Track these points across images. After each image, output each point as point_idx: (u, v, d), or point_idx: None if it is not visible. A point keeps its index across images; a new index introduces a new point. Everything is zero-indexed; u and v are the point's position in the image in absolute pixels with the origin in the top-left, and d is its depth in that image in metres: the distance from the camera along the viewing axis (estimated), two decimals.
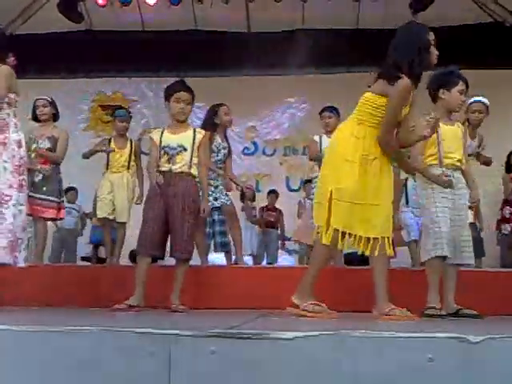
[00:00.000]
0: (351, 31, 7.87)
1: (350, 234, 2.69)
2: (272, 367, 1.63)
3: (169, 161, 3.31)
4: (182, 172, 3.32)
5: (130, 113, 5.22)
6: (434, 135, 3.15)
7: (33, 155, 4.26)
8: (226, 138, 4.51)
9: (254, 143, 8.76)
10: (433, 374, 1.59)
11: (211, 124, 4.36)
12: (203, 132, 3.53)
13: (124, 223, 4.78)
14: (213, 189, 4.24)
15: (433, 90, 3.22)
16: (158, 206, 3.27)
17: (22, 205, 2.97)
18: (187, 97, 3.40)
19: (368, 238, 2.69)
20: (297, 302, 2.75)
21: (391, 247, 2.75)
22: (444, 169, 3.11)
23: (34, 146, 4.32)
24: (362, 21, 7.94)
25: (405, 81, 2.63)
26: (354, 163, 2.69)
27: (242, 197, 6.59)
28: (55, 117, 4.56)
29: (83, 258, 7.21)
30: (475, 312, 3.03)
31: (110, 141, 4.89)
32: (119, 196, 4.74)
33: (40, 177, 4.27)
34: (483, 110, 4.04)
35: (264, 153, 8.75)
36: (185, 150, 3.34)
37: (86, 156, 4.93)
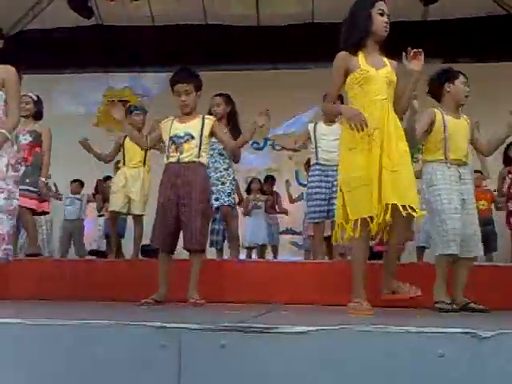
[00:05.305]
0: None
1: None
2: (282, 361, 1.64)
3: (176, 150, 3.24)
4: (189, 161, 3.23)
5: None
6: (441, 128, 3.13)
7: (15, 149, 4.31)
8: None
9: (264, 138, 8.74)
10: (444, 369, 1.59)
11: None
12: (212, 118, 3.44)
13: (140, 216, 4.81)
14: (219, 186, 4.31)
15: (436, 87, 3.24)
16: (169, 198, 3.21)
17: (17, 199, 3.01)
18: (185, 87, 3.30)
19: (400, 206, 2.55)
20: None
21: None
22: (449, 164, 3.11)
23: (17, 140, 4.37)
24: None
25: (338, 54, 2.81)
26: (356, 149, 2.66)
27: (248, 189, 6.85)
28: (38, 115, 4.61)
29: (91, 252, 7.23)
30: (482, 306, 3.02)
31: (125, 137, 4.91)
32: (134, 189, 4.77)
33: (23, 170, 4.31)
34: None
35: (273, 147, 8.74)
36: (192, 138, 3.25)
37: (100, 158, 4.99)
